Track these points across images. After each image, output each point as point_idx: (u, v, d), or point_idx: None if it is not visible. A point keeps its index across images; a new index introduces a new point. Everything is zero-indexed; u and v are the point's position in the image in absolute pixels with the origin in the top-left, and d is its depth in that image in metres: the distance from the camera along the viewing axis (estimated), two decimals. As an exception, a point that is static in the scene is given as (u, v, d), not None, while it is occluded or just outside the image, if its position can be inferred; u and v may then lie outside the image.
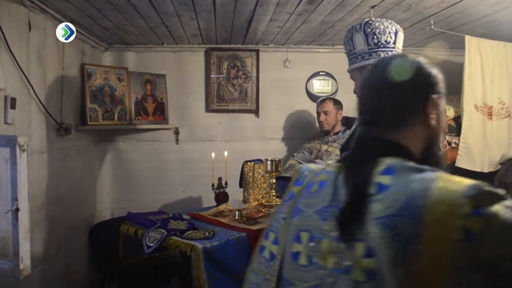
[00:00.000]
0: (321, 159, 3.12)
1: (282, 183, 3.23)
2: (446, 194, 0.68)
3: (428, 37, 3.20)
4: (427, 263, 0.65)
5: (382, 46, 1.64)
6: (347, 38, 1.74)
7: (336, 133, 3.28)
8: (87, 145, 3.20)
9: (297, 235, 0.87)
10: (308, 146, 3.39)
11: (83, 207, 3.12)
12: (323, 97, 3.46)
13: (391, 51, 1.66)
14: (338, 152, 3.12)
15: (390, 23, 1.66)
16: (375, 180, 0.76)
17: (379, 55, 1.64)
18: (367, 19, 1.68)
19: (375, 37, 1.63)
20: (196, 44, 3.56)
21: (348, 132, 3.25)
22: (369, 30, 1.64)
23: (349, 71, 1.77)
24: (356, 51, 1.69)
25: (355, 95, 1.84)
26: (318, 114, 3.29)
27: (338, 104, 3.30)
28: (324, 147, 3.22)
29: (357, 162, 0.83)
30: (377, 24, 1.64)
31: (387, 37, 1.64)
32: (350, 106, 3.48)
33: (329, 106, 3.24)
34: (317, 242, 0.82)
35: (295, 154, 3.42)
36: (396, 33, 1.66)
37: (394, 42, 1.66)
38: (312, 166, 0.99)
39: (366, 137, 0.86)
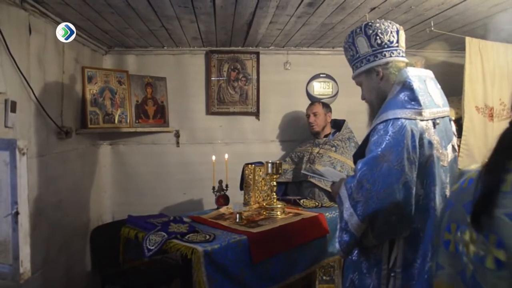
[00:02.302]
0: (313, 161, 3.13)
1: (278, 187, 3.22)
2: None
3: (428, 39, 3.20)
4: None
5: (386, 46, 1.62)
6: (348, 43, 1.72)
7: (326, 135, 3.31)
8: (87, 148, 3.20)
9: (448, 225, 0.97)
10: (300, 149, 3.39)
11: (83, 210, 3.12)
12: (313, 101, 3.55)
13: (396, 50, 1.64)
14: (330, 154, 3.13)
15: (390, 23, 1.64)
16: (509, 178, 0.83)
17: (384, 55, 1.62)
18: (366, 22, 1.67)
19: (377, 37, 1.61)
20: (196, 46, 3.56)
21: (338, 134, 3.26)
22: (370, 31, 1.62)
23: (355, 77, 1.74)
24: (360, 55, 1.66)
25: (357, 97, 1.84)
26: (308, 116, 3.36)
27: (327, 107, 3.37)
28: (316, 149, 3.23)
29: (495, 162, 0.89)
30: (377, 25, 1.62)
31: (389, 36, 1.62)
32: (352, 109, 3.48)
33: (318, 108, 3.31)
34: (462, 232, 0.91)
35: (287, 159, 3.41)
36: (397, 32, 1.64)
37: (397, 41, 1.64)
38: (473, 166, 1.03)
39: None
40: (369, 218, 1.42)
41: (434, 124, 1.55)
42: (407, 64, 1.66)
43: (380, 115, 1.54)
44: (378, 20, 1.66)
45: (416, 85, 1.53)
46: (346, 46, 1.73)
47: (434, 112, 1.56)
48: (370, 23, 1.64)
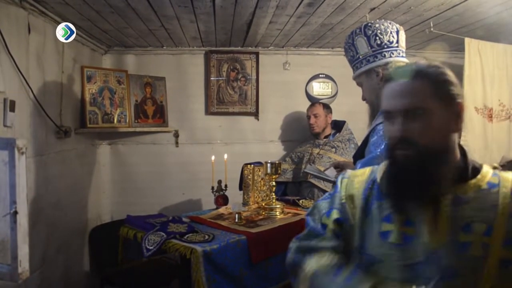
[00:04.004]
0: (313, 162, 3.13)
1: (277, 187, 3.23)
2: None
3: (427, 40, 3.20)
4: None
5: (385, 46, 1.62)
6: (348, 44, 1.72)
7: (326, 136, 3.31)
8: (86, 148, 3.20)
9: (389, 216, 1.01)
10: (300, 150, 3.39)
11: (82, 210, 3.12)
12: (313, 102, 3.56)
13: (395, 50, 1.64)
14: (330, 154, 3.13)
15: (390, 23, 1.64)
16: None
17: (384, 55, 1.62)
18: (366, 22, 1.67)
19: (377, 38, 1.61)
20: (196, 46, 3.56)
21: (339, 135, 3.26)
22: (370, 32, 1.62)
23: (355, 77, 1.74)
24: (360, 56, 1.66)
25: (356, 97, 1.84)
26: (309, 117, 3.36)
27: (327, 108, 3.37)
28: (316, 150, 3.23)
29: None
30: (377, 25, 1.63)
31: (389, 36, 1.62)
32: (351, 109, 3.48)
33: (319, 109, 3.31)
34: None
35: (286, 159, 3.41)
36: (397, 32, 1.64)
37: (397, 41, 1.64)
38: None
39: None
40: None
41: None
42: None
43: (380, 116, 1.54)
44: (378, 20, 1.66)
45: None
46: (346, 46, 1.73)
47: None
48: (369, 24, 1.64)
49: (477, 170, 0.99)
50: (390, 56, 1.63)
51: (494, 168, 1.02)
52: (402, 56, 1.66)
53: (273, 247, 2.15)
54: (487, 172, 0.99)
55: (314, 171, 2.36)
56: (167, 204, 3.59)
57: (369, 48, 1.64)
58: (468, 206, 0.94)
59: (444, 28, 2.82)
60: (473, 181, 0.97)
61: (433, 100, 0.95)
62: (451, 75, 1.00)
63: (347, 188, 1.10)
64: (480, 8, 2.42)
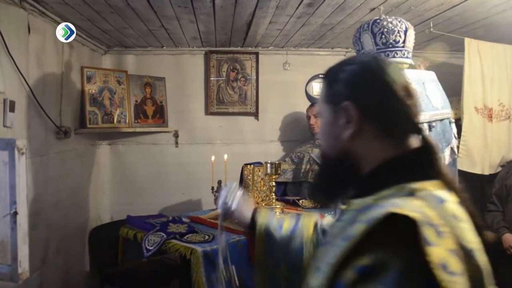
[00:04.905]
0: (313, 162, 3.13)
1: (277, 187, 3.22)
2: None
3: (427, 40, 3.20)
4: None
5: (390, 46, 1.60)
6: (355, 38, 1.71)
7: None
8: (86, 148, 3.19)
9: None
10: (300, 150, 3.39)
11: (82, 210, 3.12)
12: (312, 102, 3.53)
13: (400, 50, 1.63)
14: None
15: (400, 21, 1.62)
16: None
17: (388, 55, 1.61)
18: (375, 18, 1.64)
19: (383, 36, 1.60)
20: (196, 47, 3.56)
21: None
22: (376, 29, 1.60)
23: None
24: (365, 52, 1.66)
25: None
26: (308, 118, 3.34)
27: None
28: (316, 150, 3.23)
29: None
30: (385, 23, 1.61)
31: (395, 36, 1.60)
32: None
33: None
34: None
35: (286, 159, 3.41)
36: (405, 32, 1.62)
37: (404, 41, 1.62)
38: None
39: None
40: None
41: (430, 127, 1.55)
42: (410, 66, 1.65)
43: None
44: (388, 17, 1.64)
45: None
46: (354, 40, 1.73)
47: (431, 115, 1.55)
48: (378, 20, 1.62)
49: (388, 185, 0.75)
50: (394, 57, 1.62)
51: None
52: (407, 57, 1.65)
53: (273, 247, 2.15)
54: (389, 192, 0.73)
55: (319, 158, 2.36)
56: (167, 205, 3.59)
57: (374, 45, 1.63)
58: (337, 224, 0.83)
59: (444, 28, 2.82)
60: (358, 200, 0.78)
61: (324, 103, 0.88)
62: (356, 70, 0.82)
63: None
64: (480, 8, 2.42)
